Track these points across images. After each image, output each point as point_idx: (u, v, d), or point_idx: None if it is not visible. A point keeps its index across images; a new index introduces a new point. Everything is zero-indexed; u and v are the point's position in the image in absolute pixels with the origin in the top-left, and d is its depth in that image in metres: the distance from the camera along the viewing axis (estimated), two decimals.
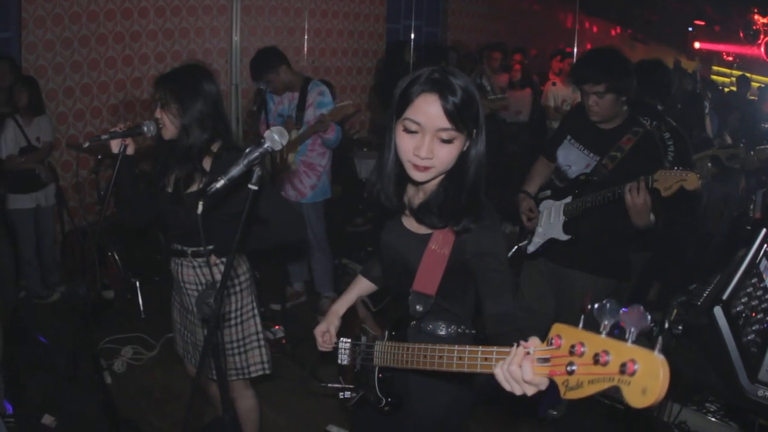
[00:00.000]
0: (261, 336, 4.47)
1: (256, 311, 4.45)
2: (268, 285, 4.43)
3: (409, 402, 3.25)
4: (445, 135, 2.68)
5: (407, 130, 2.73)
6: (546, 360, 1.87)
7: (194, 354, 4.42)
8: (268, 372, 4.52)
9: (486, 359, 2.19)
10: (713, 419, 5.35)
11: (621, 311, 1.69)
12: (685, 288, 4.30)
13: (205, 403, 5.00)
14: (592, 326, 1.75)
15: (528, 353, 1.96)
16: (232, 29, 11.17)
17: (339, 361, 3.54)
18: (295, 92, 7.30)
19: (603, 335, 1.69)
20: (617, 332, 1.68)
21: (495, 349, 2.14)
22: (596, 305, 1.74)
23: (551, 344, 1.84)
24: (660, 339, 1.60)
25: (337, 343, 3.53)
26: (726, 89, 14.29)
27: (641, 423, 4.99)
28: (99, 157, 7.15)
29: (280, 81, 7.22)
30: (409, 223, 3.10)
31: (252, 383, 4.67)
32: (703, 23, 16.51)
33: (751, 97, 13.46)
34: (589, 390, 1.70)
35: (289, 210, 4.22)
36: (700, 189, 4.52)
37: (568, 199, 4.87)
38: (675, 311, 4.11)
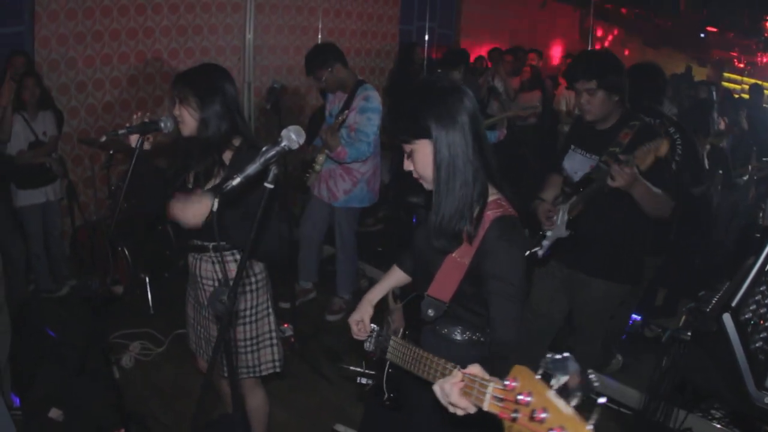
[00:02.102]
0: (274, 334, 4.47)
1: (270, 310, 4.46)
2: (277, 283, 4.43)
3: (412, 405, 3.29)
4: (406, 149, 2.89)
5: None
6: (500, 399, 1.90)
7: (207, 349, 4.42)
8: (279, 370, 4.54)
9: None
10: (719, 426, 5.36)
11: (573, 370, 1.71)
12: (693, 294, 4.31)
13: (214, 399, 5.00)
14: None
15: (460, 380, 2.15)
16: (245, 27, 11.17)
17: (365, 347, 3.58)
18: (346, 93, 7.22)
19: (551, 390, 1.71)
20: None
21: (469, 373, 2.18)
22: (555, 357, 1.75)
23: (505, 386, 1.87)
24: (596, 411, 1.63)
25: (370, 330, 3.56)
26: (736, 96, 14.25)
27: (647, 428, 5.00)
28: (111, 152, 7.15)
29: (333, 79, 7.13)
30: None
31: (261, 381, 4.67)
32: (715, 30, 16.48)
33: (766, 105, 13.42)
34: None
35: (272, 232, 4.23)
36: (669, 154, 4.56)
37: (573, 199, 4.89)
38: (684, 317, 4.13)
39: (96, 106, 9.59)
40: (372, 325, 3.56)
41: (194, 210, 3.69)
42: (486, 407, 1.97)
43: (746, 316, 3.36)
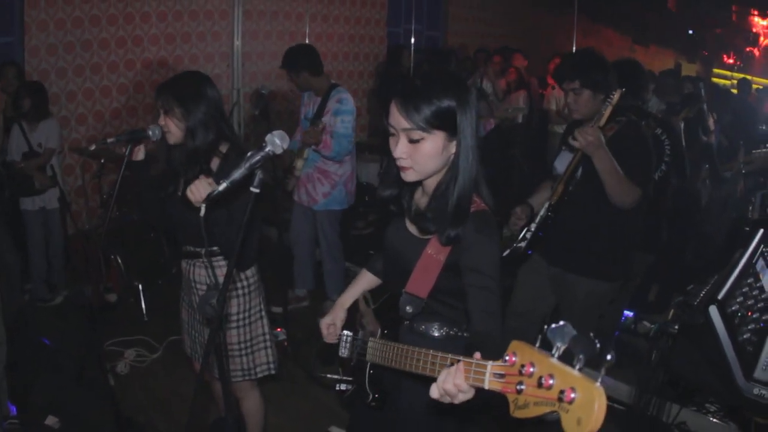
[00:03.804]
0: (268, 337, 4.50)
1: (263, 312, 4.48)
2: (269, 287, 4.45)
3: (398, 401, 3.31)
4: (414, 135, 2.78)
5: (389, 134, 2.88)
6: (501, 376, 1.90)
7: (201, 353, 4.44)
8: (273, 372, 4.55)
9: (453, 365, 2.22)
10: (713, 419, 5.38)
11: (571, 337, 1.72)
12: (683, 289, 4.34)
13: (210, 403, 5.02)
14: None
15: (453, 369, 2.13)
16: (233, 34, 11.25)
17: (339, 353, 3.59)
18: (320, 97, 7.31)
19: (553, 358, 1.72)
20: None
21: (462, 358, 2.18)
22: (553, 325, 1.76)
23: (506, 361, 1.87)
24: (603, 370, 1.63)
25: (340, 335, 3.58)
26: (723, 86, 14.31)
27: (641, 423, 5.02)
28: (102, 161, 7.18)
29: (300, 83, 7.30)
30: (412, 226, 3.15)
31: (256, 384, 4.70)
32: (703, 26, 16.56)
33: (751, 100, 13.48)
34: (534, 411, 1.74)
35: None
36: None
37: (553, 185, 4.94)
38: (672, 311, 4.16)
39: (87, 116, 9.65)
40: (344, 331, 3.58)
41: (196, 186, 3.70)
42: (487, 386, 1.97)
43: (733, 308, 3.39)
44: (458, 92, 2.82)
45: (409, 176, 2.89)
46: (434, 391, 2.19)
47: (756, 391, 3.22)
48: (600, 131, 4.37)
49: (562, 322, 1.75)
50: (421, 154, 2.81)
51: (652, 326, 6.69)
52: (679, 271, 7.38)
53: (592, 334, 1.70)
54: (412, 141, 2.79)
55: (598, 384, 1.57)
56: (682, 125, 7.37)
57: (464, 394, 2.13)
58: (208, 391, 4.76)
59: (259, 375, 4.49)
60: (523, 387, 1.76)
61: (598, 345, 1.67)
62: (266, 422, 4.86)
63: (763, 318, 3.58)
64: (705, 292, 3.72)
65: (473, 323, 2.85)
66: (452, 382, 2.12)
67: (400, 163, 2.85)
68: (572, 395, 1.58)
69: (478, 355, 2.11)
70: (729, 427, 5.35)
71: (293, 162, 7.44)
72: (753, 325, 3.48)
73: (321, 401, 6.04)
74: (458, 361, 2.18)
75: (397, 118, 2.75)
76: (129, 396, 6.03)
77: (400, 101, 2.76)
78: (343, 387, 3.55)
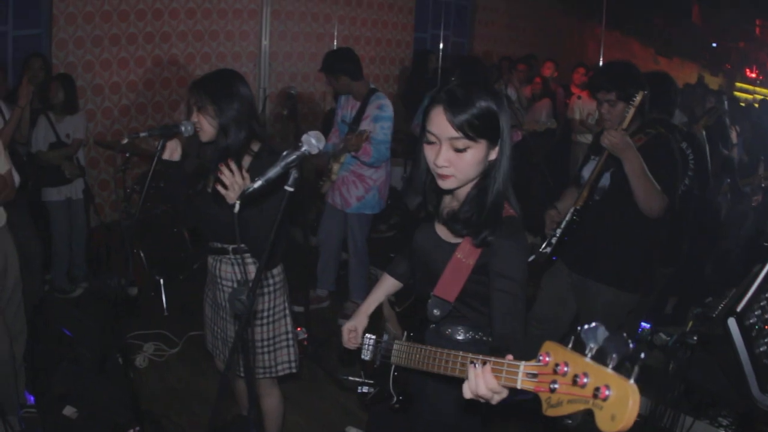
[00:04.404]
0: (291, 336, 4.52)
1: (287, 311, 4.50)
2: (291, 286, 4.48)
3: (423, 404, 3.34)
4: (458, 144, 2.78)
5: (427, 142, 2.88)
6: (534, 375, 1.94)
7: (223, 350, 4.49)
8: (295, 371, 4.57)
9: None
10: None
11: (605, 337, 1.75)
12: (701, 302, 4.36)
13: (229, 399, 5.06)
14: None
15: (475, 367, 2.17)
16: (261, 33, 11.27)
17: (362, 356, 3.63)
18: (359, 101, 7.29)
19: (587, 358, 1.75)
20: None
21: (493, 359, 2.20)
22: (585, 327, 1.79)
23: (539, 361, 1.91)
24: (636, 368, 1.67)
25: (362, 341, 3.62)
26: (742, 104, 14.25)
27: None
28: (127, 155, 7.23)
29: (339, 87, 7.32)
30: (441, 231, 3.18)
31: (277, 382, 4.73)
32: (727, 40, 16.52)
33: None
34: (567, 409, 1.78)
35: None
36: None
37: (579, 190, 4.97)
38: (691, 323, 4.18)
39: (112, 109, 9.69)
40: (367, 334, 3.62)
41: (230, 184, 3.73)
42: (519, 386, 2.00)
43: (751, 321, 3.40)
44: (497, 100, 2.86)
45: (449, 184, 2.90)
46: (467, 392, 2.22)
47: None
48: (625, 133, 4.41)
49: (594, 324, 1.78)
50: (465, 162, 2.83)
51: (669, 338, 6.72)
52: (698, 284, 7.39)
53: (625, 335, 1.73)
54: (457, 150, 2.80)
55: (631, 381, 1.61)
56: (704, 134, 7.37)
57: (499, 395, 2.16)
58: (228, 387, 4.80)
59: (281, 373, 4.52)
60: (556, 386, 1.80)
61: (632, 345, 1.71)
62: (284, 420, 4.91)
63: None
64: (724, 304, 3.74)
65: (496, 326, 2.88)
66: (484, 386, 2.15)
67: (442, 171, 2.85)
68: (607, 392, 1.62)
69: (510, 356, 2.13)
70: None
71: (330, 165, 7.47)
72: None
73: (338, 401, 6.08)
74: (488, 362, 2.20)
75: (444, 127, 2.77)
76: (146, 389, 6.08)
77: (448, 109, 2.76)
78: (365, 389, 3.58)
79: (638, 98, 4.42)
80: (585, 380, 1.70)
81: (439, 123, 2.79)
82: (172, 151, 4.17)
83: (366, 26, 13.11)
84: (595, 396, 1.66)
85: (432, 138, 2.84)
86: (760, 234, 8.13)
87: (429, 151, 2.88)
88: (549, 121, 8.49)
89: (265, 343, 4.41)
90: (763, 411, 3.29)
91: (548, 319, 5.39)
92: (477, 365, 2.19)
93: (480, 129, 2.77)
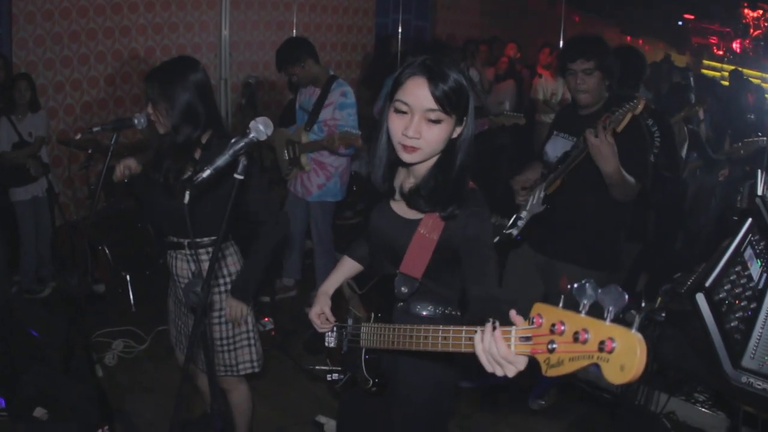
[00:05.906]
0: (252, 334, 4.45)
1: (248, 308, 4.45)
2: None
3: (397, 384, 3.30)
4: (432, 116, 2.76)
5: (397, 111, 2.82)
6: (528, 339, 1.92)
7: (186, 344, 4.40)
8: (257, 370, 4.52)
9: (470, 339, 2.23)
10: (702, 409, 5.38)
11: (599, 291, 1.73)
12: (670, 278, 4.34)
13: (195, 395, 5.00)
14: (572, 307, 1.79)
15: (495, 329, 2.07)
16: (221, 24, 11.22)
17: (326, 344, 3.59)
18: (318, 87, 7.21)
19: (582, 314, 1.74)
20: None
21: (479, 328, 2.17)
22: (576, 285, 1.78)
23: (532, 323, 1.88)
24: (637, 318, 1.64)
25: (333, 320, 3.57)
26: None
27: (629, 412, 5.01)
28: (89, 151, 7.15)
29: (304, 74, 7.18)
30: (398, 208, 3.16)
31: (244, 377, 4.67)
32: (692, 17, 16.52)
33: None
34: (569, 367, 1.75)
35: (275, 204, 4.26)
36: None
37: (551, 176, 4.92)
38: (659, 299, 4.15)
39: (74, 107, 9.63)
40: None
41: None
42: (514, 350, 1.99)
43: (721, 296, 3.38)
44: (467, 78, 2.87)
45: (413, 158, 2.87)
46: (485, 361, 2.14)
47: (744, 379, 3.21)
48: (614, 144, 4.35)
49: (584, 281, 1.78)
50: (435, 135, 2.81)
51: (638, 315, 6.67)
52: (668, 261, 7.38)
53: (620, 288, 1.72)
54: (429, 121, 2.78)
55: (635, 331, 1.60)
56: (686, 130, 7.37)
57: (513, 365, 2.05)
58: (193, 383, 4.75)
59: (242, 373, 4.47)
60: (555, 346, 1.79)
61: (627, 297, 1.70)
62: (254, 413, 4.85)
63: (751, 306, 3.58)
64: (692, 280, 3.71)
65: (473, 290, 2.90)
66: (497, 353, 2.05)
67: (410, 143, 2.81)
68: (612, 345, 1.62)
69: (502, 322, 2.10)
70: (717, 416, 5.36)
71: (298, 156, 7.39)
72: (741, 313, 3.47)
73: (309, 391, 6.06)
74: (476, 332, 2.18)
75: (422, 98, 2.75)
76: (116, 387, 6.03)
77: (431, 81, 2.74)
78: (335, 376, 3.53)
79: (640, 105, 4.34)
80: (586, 336, 1.70)
81: (418, 93, 2.76)
82: (131, 169, 4.15)
83: (326, 13, 13.04)
84: (600, 350, 1.65)
85: (404, 108, 2.80)
86: (728, 209, 8.15)
87: (398, 121, 2.84)
88: (517, 117, 8.48)
89: (225, 342, 4.35)
90: (735, 387, 3.26)
91: (513, 301, 5.36)
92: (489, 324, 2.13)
93: (455, 103, 2.78)
